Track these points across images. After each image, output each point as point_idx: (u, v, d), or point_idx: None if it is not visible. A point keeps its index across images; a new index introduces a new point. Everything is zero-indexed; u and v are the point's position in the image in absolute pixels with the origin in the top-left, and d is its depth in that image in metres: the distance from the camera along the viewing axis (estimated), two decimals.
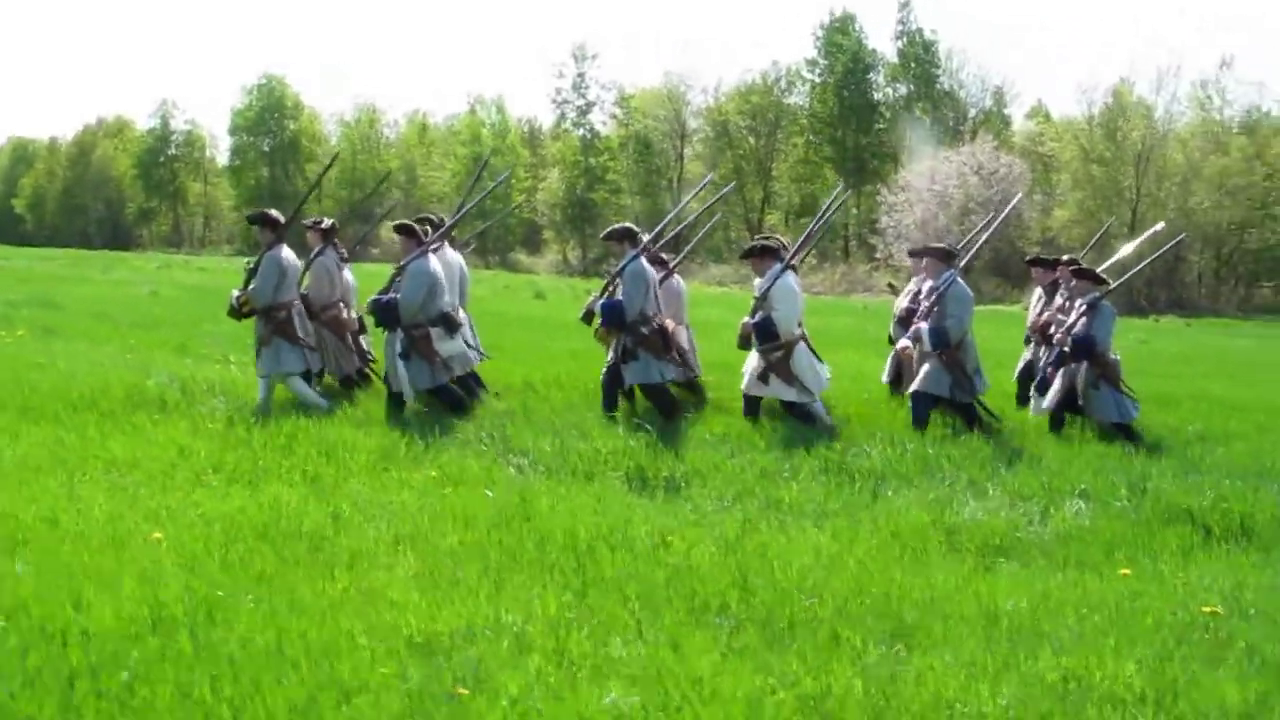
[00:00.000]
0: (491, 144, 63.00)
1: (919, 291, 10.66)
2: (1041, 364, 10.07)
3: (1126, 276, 10.68)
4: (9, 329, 14.58)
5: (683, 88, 61.67)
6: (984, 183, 47.15)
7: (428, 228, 9.87)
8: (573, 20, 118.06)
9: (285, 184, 72.27)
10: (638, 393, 9.57)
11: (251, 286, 9.50)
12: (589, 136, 62.35)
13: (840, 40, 58.63)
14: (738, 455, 7.97)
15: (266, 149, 72.46)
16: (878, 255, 49.69)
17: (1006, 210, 13.06)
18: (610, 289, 9.41)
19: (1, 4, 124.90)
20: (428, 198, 62.72)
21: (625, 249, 9.43)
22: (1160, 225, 13.17)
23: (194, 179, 78.45)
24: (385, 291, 9.25)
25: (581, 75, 62.05)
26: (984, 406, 9.65)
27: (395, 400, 9.22)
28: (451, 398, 9.29)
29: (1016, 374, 11.21)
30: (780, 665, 4.19)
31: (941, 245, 9.99)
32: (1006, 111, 59.80)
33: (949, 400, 9.35)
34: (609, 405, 9.32)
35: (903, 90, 58.61)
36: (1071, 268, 10.10)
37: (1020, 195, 20.26)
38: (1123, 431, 9.21)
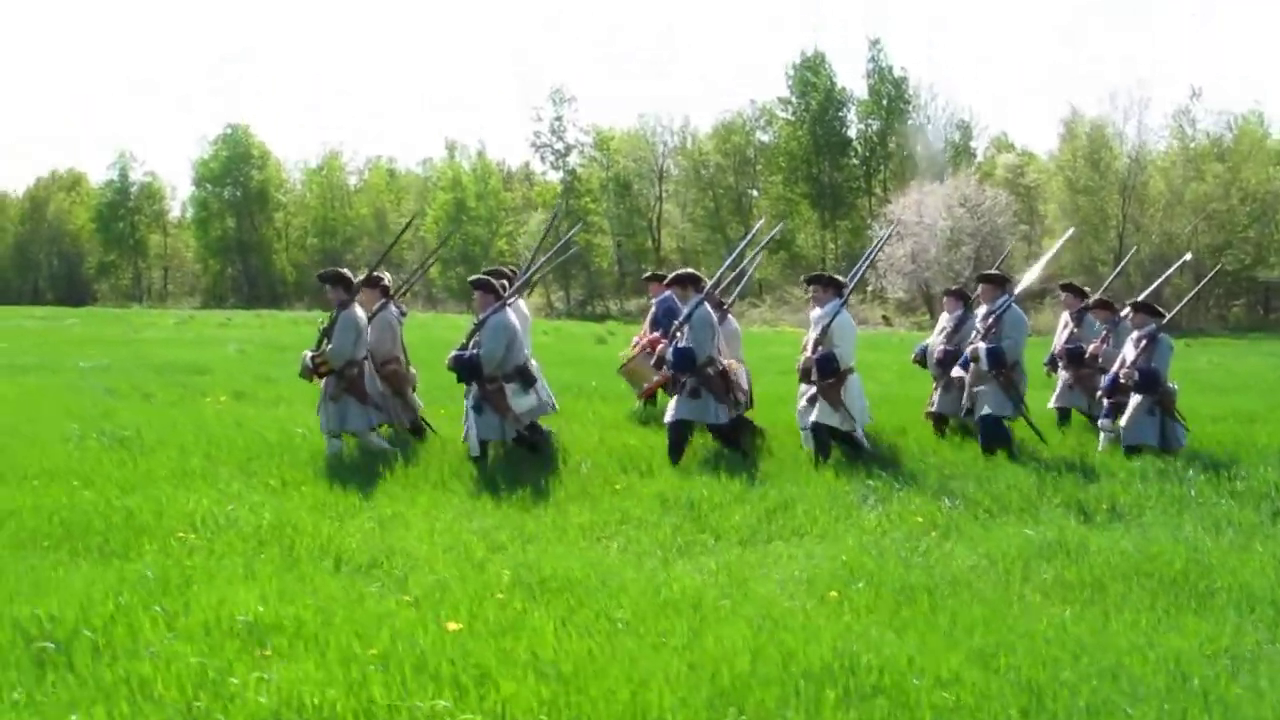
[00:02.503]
0: (474, 188, 63.18)
1: (953, 329, 11.04)
2: (1098, 395, 10.58)
3: (1181, 306, 11.45)
4: (210, 395, 14.36)
5: (658, 128, 62.61)
6: (970, 214, 48.71)
7: (504, 281, 10.01)
8: (546, 59, 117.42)
9: (252, 234, 71.53)
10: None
11: (329, 346, 9.65)
12: (569, 179, 62.86)
13: (812, 79, 60.12)
14: (1142, 482, 8.54)
15: (230, 199, 71.54)
16: (869, 288, 50.84)
17: (1063, 239, 13.90)
18: (677, 335, 9.57)
19: None
20: (402, 244, 62.37)
21: (689, 294, 9.84)
22: (1188, 255, 14.25)
23: (153, 231, 77.18)
24: (464, 346, 9.33)
25: (560, 118, 62.55)
26: (1033, 427, 10.16)
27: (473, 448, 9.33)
28: (522, 443, 9.42)
29: (1054, 402, 11.52)
30: None
31: (996, 272, 10.55)
32: (973, 144, 61.87)
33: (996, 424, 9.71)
34: (677, 455, 9.42)
35: (876, 125, 60.21)
36: (1130, 301, 10.68)
37: (1071, 230, 21.07)
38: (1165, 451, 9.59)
